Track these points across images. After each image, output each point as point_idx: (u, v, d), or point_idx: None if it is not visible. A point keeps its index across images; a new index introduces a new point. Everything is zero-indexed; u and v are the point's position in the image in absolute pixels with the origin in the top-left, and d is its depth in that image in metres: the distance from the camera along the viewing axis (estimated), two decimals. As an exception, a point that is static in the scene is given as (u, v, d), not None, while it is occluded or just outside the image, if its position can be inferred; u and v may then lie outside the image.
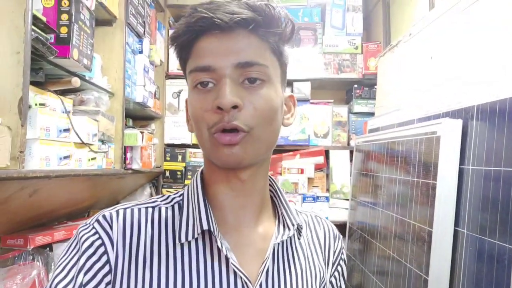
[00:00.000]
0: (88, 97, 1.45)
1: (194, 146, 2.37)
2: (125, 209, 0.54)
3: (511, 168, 0.95)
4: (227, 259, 0.51)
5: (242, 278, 0.51)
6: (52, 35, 1.11)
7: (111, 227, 0.52)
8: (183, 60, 0.55)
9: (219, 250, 0.52)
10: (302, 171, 2.29)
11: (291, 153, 2.36)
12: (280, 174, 2.35)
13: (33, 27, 0.99)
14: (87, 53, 1.24)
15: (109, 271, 0.50)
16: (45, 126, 1.06)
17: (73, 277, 0.48)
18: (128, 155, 1.67)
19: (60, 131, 1.14)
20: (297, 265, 0.57)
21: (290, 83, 2.41)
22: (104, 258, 0.50)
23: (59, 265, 0.50)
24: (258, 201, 0.57)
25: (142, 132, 1.71)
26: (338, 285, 0.66)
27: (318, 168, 2.36)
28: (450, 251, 1.12)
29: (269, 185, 0.61)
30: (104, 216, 0.53)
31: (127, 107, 1.88)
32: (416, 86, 1.65)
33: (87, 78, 1.38)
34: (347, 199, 2.30)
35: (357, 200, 2.03)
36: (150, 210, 0.55)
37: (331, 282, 0.65)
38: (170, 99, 2.39)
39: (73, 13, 1.13)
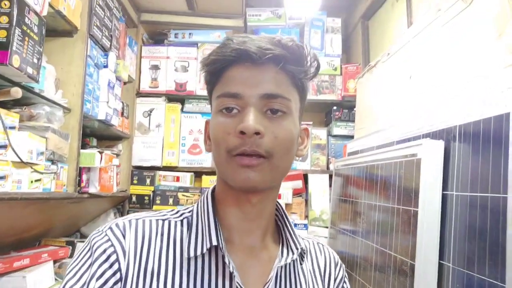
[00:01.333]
0: (38, 111, 1.31)
1: (165, 168, 2.22)
2: (137, 219, 0.56)
3: (498, 194, 0.84)
4: (231, 277, 0.53)
5: None
6: (-12, 39, 0.98)
7: (124, 236, 0.53)
8: (211, 85, 0.58)
9: (224, 268, 0.54)
10: (279, 197, 2.16)
11: (267, 176, 2.24)
12: (256, 199, 2.21)
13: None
14: (33, 61, 1.11)
15: (119, 279, 0.50)
16: (-28, 141, 0.91)
17: (85, 282, 0.49)
18: (84, 177, 1.51)
19: (-7, 147, 0.99)
20: None
21: (267, 104, 2.31)
22: (116, 266, 0.51)
23: (71, 270, 0.51)
24: (265, 225, 0.59)
25: (101, 152, 1.56)
26: None
27: (296, 193, 2.23)
28: (435, 288, 1.00)
29: (276, 209, 0.63)
30: (117, 225, 0.54)
31: (90, 125, 1.74)
32: (395, 107, 1.57)
33: (36, 90, 1.25)
34: (327, 227, 2.17)
35: (337, 228, 1.90)
36: (160, 222, 0.57)
37: None
38: (140, 118, 2.25)
39: (15, 16, 1.00)
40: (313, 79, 0.59)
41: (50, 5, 1.27)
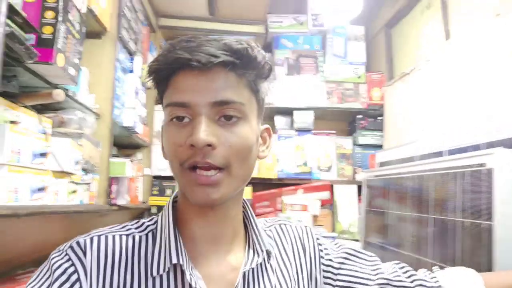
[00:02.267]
0: (70, 117, 1.21)
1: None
2: (99, 236, 0.53)
3: None
4: None
5: None
6: (33, 36, 0.89)
7: (84, 254, 0.51)
8: (160, 92, 0.55)
9: (190, 285, 0.51)
10: (305, 208, 2.07)
11: (292, 187, 2.15)
12: (281, 211, 2.12)
13: (8, 21, 0.77)
14: (74, 62, 1.02)
15: None
16: (17, 148, 0.81)
17: None
18: (113, 188, 1.40)
19: (35, 155, 0.89)
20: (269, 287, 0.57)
21: (290, 112, 2.24)
22: (77, 286, 0.49)
23: None
24: (230, 230, 0.57)
25: (131, 161, 1.46)
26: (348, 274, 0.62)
27: (323, 204, 2.15)
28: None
29: (242, 207, 0.61)
30: (78, 243, 0.52)
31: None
32: (440, 116, 1.51)
33: (70, 94, 1.15)
34: (356, 240, 2.08)
35: (372, 241, 1.82)
36: (124, 238, 0.55)
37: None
38: (159, 126, 2.15)
39: (61, 11, 0.91)
40: (267, 79, 0.56)
41: (85, 3, 1.18)
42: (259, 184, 2.16)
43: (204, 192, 0.50)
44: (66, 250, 0.51)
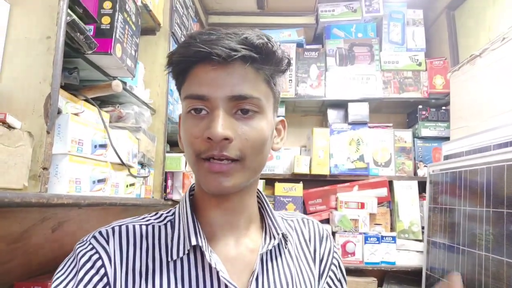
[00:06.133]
0: (127, 111, 1.22)
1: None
2: (120, 226, 0.56)
3: None
4: (217, 273, 0.52)
5: None
6: (92, 27, 0.89)
7: (107, 242, 0.53)
8: (178, 84, 0.56)
9: (210, 265, 0.52)
10: (362, 206, 1.95)
11: (347, 184, 2.04)
12: (336, 208, 2.02)
13: (69, 11, 0.77)
14: (131, 53, 1.02)
15: (107, 283, 0.50)
16: (78, 138, 0.81)
17: None
18: (169, 182, 1.40)
19: (96, 146, 0.89)
20: (287, 272, 0.58)
21: (343, 104, 2.14)
22: (102, 271, 0.50)
23: (56, 279, 0.50)
24: (246, 217, 0.59)
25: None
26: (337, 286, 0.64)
27: (380, 202, 2.02)
28: None
29: (257, 196, 0.63)
30: (100, 233, 0.54)
31: (165, 129, 1.65)
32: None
33: (127, 87, 1.15)
34: (419, 240, 1.93)
35: (436, 240, 1.66)
36: (144, 227, 0.56)
37: (327, 283, 0.63)
38: (209, 123, 2.15)
39: (118, 1, 0.91)
40: (284, 73, 0.57)
41: (139, -3, 1.19)
42: (311, 181, 2.07)
43: (216, 180, 0.51)
44: (89, 240, 0.53)
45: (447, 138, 1.95)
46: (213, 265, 0.51)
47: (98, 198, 0.87)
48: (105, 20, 0.89)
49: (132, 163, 1.07)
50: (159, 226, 0.57)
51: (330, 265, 0.64)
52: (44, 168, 0.67)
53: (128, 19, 0.98)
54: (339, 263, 0.65)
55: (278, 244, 0.59)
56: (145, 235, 0.55)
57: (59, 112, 0.79)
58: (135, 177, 1.09)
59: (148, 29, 1.43)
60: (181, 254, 0.53)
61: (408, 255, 1.90)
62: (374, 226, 2.00)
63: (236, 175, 0.51)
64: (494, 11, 1.74)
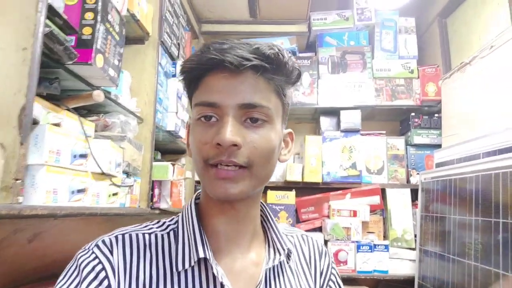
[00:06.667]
0: (113, 120, 1.22)
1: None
2: (123, 234, 0.55)
3: None
4: (222, 286, 0.52)
5: None
6: (73, 38, 0.89)
7: (111, 252, 0.52)
8: (190, 91, 0.57)
9: (214, 277, 0.53)
10: (355, 214, 1.94)
11: (340, 192, 2.04)
12: (328, 216, 2.01)
13: (48, 21, 0.78)
14: (114, 63, 1.02)
15: None
16: (56, 148, 0.81)
17: None
18: (156, 191, 1.40)
19: (75, 156, 0.89)
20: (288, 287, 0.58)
21: (336, 112, 2.14)
22: (105, 283, 0.50)
23: None
24: (251, 229, 0.59)
25: (173, 164, 1.45)
26: None
27: (372, 210, 2.01)
28: None
29: (260, 210, 0.62)
30: (103, 241, 0.53)
31: (156, 138, 1.65)
32: (507, 108, 1.34)
33: (112, 97, 1.16)
34: (411, 248, 1.91)
35: (429, 249, 1.65)
36: (147, 236, 0.56)
37: None
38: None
39: (100, 11, 0.92)
40: (294, 85, 0.58)
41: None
42: (303, 188, 2.07)
43: (223, 186, 0.51)
44: (92, 249, 0.52)
45: (439, 146, 1.95)
46: (219, 279, 0.52)
47: (76, 208, 0.86)
48: (87, 31, 0.90)
49: (115, 172, 1.07)
50: (162, 235, 0.57)
51: (329, 279, 0.65)
52: (17, 179, 0.67)
53: (110, 29, 0.98)
54: (336, 277, 0.66)
55: (281, 261, 0.59)
56: (149, 245, 0.55)
57: (36, 122, 0.79)
58: (118, 186, 1.09)
59: (137, 38, 1.44)
60: (186, 266, 0.53)
61: (401, 263, 1.88)
62: (367, 234, 1.99)
63: (243, 182, 0.52)
64: (484, 18, 1.75)
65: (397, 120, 2.29)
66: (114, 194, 1.09)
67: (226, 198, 0.52)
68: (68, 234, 0.99)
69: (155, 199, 1.39)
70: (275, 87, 0.54)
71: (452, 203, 1.49)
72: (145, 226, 0.58)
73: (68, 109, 0.94)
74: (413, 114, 2.07)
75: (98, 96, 0.94)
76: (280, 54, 0.52)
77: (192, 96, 0.56)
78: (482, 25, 1.77)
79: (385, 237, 1.99)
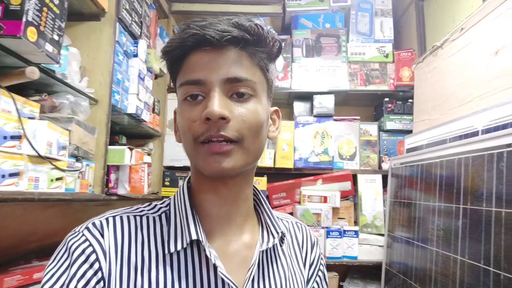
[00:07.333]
0: (61, 101, 1.15)
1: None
2: (114, 217, 0.54)
3: None
4: (215, 267, 0.52)
5: (230, 285, 0.52)
6: (0, 7, 0.82)
7: (102, 235, 0.51)
8: (174, 74, 0.57)
9: (207, 259, 0.53)
10: (325, 200, 1.92)
11: (311, 177, 2.00)
12: (299, 203, 1.98)
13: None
14: (53, 38, 0.94)
15: (102, 278, 0.49)
16: (-23, 128, 0.75)
17: (63, 283, 0.48)
18: (112, 176, 1.34)
19: (5, 137, 0.83)
20: (281, 271, 0.59)
21: (310, 96, 2.09)
22: (96, 266, 0.49)
23: (48, 273, 0.49)
24: (244, 209, 0.59)
25: (131, 149, 1.38)
26: None
27: (344, 196, 1.98)
28: None
29: (253, 194, 0.63)
30: (94, 224, 0.52)
31: (119, 121, 1.58)
32: (477, 91, 1.31)
33: (59, 76, 1.09)
34: (381, 234, 1.90)
35: (397, 236, 1.64)
36: (138, 218, 0.55)
37: (316, 283, 0.66)
38: (172, 115, 2.08)
39: (30, -20, 0.84)
40: (276, 59, 0.58)
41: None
42: (275, 174, 2.03)
43: (217, 161, 0.50)
44: (82, 231, 0.51)
45: (412, 131, 1.92)
46: (212, 260, 0.51)
47: (7, 193, 0.80)
48: (15, 1, 0.82)
49: (59, 156, 1.01)
50: (154, 218, 0.56)
51: (318, 270, 0.67)
52: None
53: (47, 1, 0.91)
54: (323, 269, 0.68)
55: (274, 244, 0.60)
56: (140, 227, 0.54)
57: (-48, 100, 0.72)
58: (63, 170, 1.03)
59: (92, 15, 1.35)
60: (179, 247, 0.52)
61: (370, 249, 1.88)
62: (337, 220, 1.97)
63: (236, 156, 0.51)
64: (459, 0, 1.71)
65: (371, 106, 2.26)
66: (59, 179, 1.02)
67: (220, 173, 0.51)
68: (10, 220, 0.93)
69: (111, 185, 1.33)
70: (258, 61, 0.54)
71: (419, 189, 1.47)
72: (137, 209, 0.58)
73: (2, 87, 0.87)
74: (386, 99, 2.04)
75: (31, 73, 0.87)
76: (259, 26, 0.53)
77: (176, 78, 0.56)
78: (456, 7, 1.73)
79: (356, 223, 1.98)
